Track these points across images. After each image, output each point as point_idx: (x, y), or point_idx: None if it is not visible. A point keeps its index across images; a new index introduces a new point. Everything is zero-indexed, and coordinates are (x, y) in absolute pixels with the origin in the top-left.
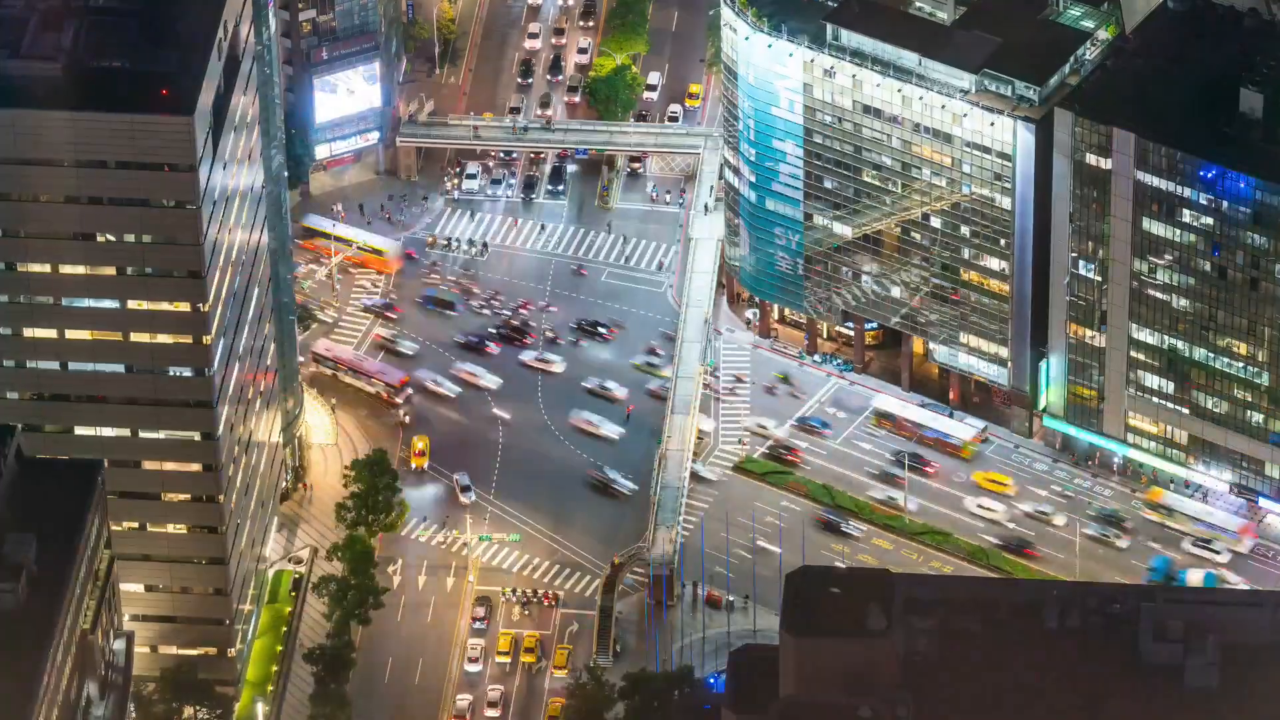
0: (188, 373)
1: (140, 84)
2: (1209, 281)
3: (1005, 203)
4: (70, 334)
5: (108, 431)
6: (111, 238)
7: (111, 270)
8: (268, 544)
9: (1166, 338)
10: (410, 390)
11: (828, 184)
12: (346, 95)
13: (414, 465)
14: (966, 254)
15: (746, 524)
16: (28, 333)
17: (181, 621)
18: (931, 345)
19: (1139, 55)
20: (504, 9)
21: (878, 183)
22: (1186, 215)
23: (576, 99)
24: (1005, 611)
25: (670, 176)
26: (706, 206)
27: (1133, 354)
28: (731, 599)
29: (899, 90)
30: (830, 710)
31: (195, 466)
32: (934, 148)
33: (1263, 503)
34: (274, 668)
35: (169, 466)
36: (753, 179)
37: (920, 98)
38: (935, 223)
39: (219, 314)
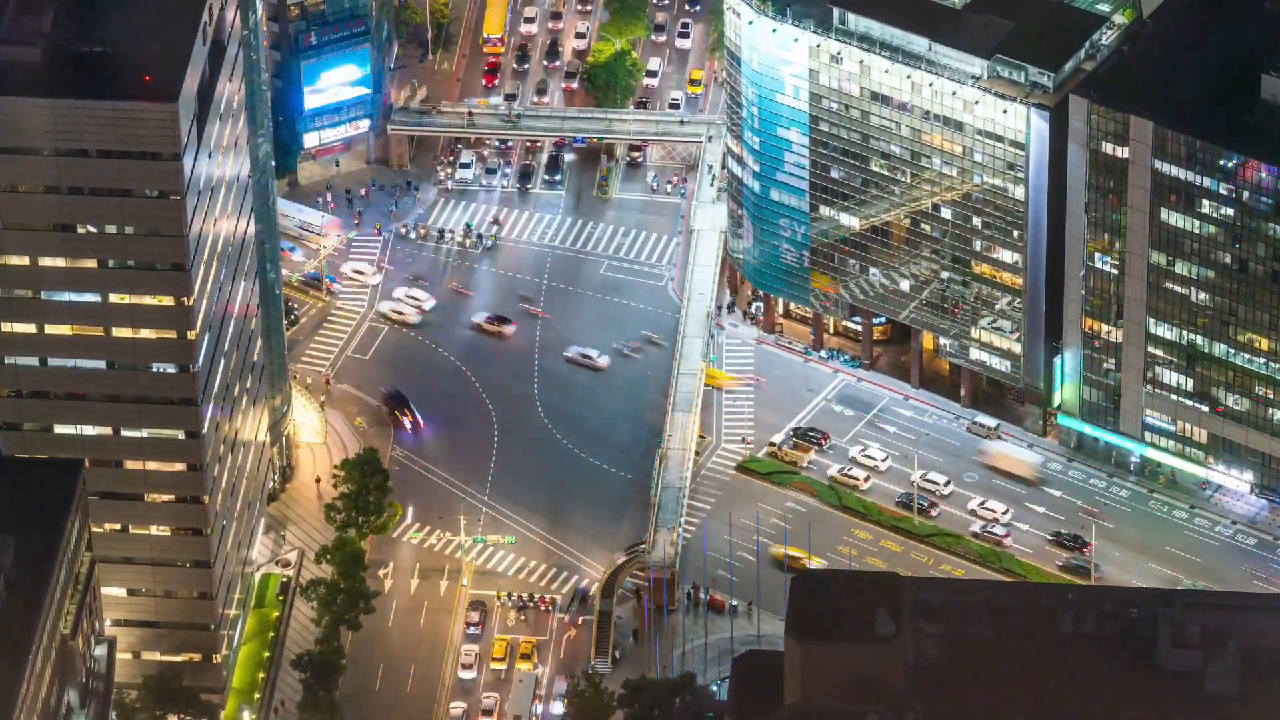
0: (171, 369)
1: (122, 69)
2: (1229, 274)
3: (1018, 193)
4: (50, 329)
5: (89, 430)
6: (92, 229)
7: (92, 263)
8: (254, 546)
9: (1185, 333)
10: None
11: (834, 174)
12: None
13: None
14: (978, 246)
15: (750, 525)
16: (6, 327)
17: (165, 627)
18: (941, 340)
19: (1157, 40)
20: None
21: (886, 172)
22: (1206, 206)
23: (574, 85)
24: (1018, 616)
25: (671, 166)
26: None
27: (1150, 350)
28: (734, 603)
29: (908, 76)
30: (836, 718)
31: (179, 466)
32: (944, 136)
33: None
34: (261, 675)
35: (152, 466)
36: (757, 168)
37: (930, 84)
38: (946, 214)
39: (204, 308)
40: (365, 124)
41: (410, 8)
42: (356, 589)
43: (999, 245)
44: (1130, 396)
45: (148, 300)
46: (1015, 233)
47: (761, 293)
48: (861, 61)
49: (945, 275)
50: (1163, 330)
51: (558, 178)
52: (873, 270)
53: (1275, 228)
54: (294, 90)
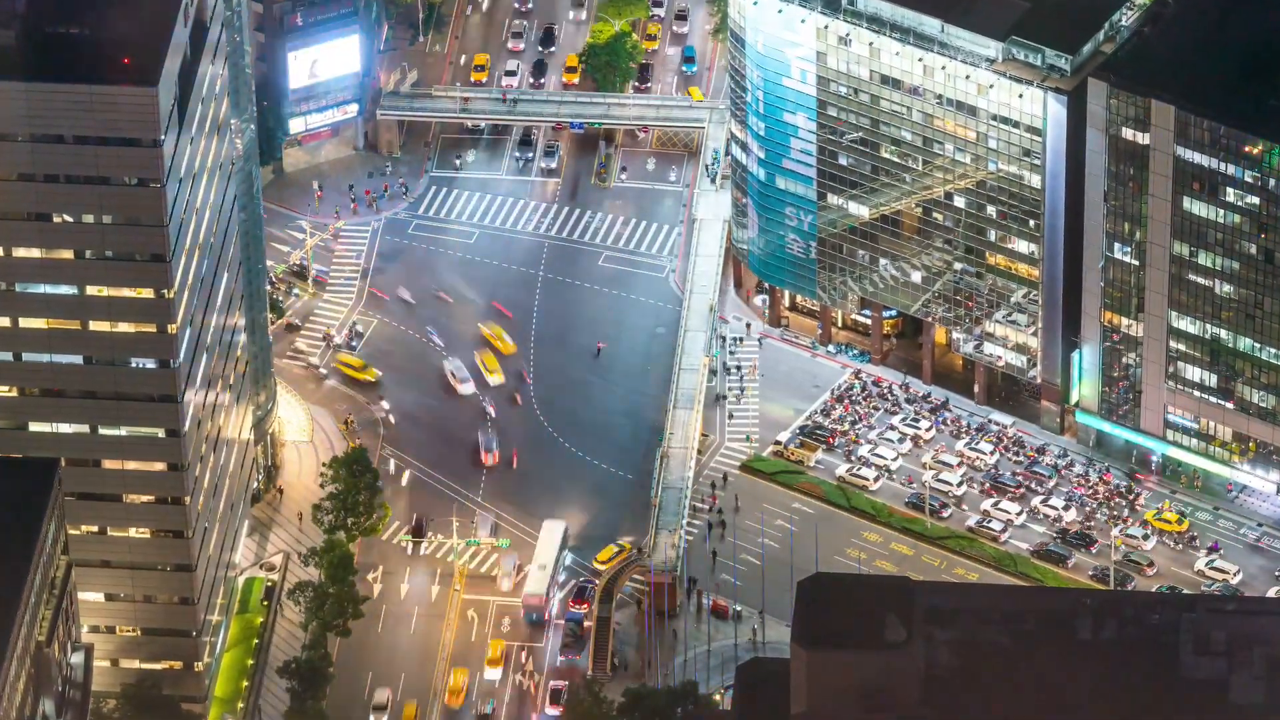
0: (151, 364)
1: (100, 52)
2: (1254, 265)
3: (1035, 181)
4: (24, 322)
5: (65, 428)
6: (69, 218)
7: (69, 253)
8: (238, 549)
9: (1209, 326)
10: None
11: (843, 161)
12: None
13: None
14: (993, 236)
15: (755, 527)
16: None
17: (145, 633)
18: (954, 334)
19: (1179, 21)
20: None
21: (897, 159)
22: (1230, 194)
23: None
24: (1034, 622)
25: (673, 153)
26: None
27: (1172, 344)
28: (739, 608)
29: (920, 59)
30: None
31: (159, 466)
32: (958, 121)
33: None
34: (245, 683)
35: (131, 466)
36: (762, 155)
37: (943, 67)
38: (959, 202)
39: (185, 301)
40: (353, 109)
41: None
42: (345, 593)
43: (1014, 235)
44: (1151, 393)
45: (126, 293)
46: (1031, 222)
47: (767, 285)
48: (871, 44)
49: (958, 267)
50: (1185, 324)
51: (554, 165)
52: (883, 261)
53: None
54: (279, 74)
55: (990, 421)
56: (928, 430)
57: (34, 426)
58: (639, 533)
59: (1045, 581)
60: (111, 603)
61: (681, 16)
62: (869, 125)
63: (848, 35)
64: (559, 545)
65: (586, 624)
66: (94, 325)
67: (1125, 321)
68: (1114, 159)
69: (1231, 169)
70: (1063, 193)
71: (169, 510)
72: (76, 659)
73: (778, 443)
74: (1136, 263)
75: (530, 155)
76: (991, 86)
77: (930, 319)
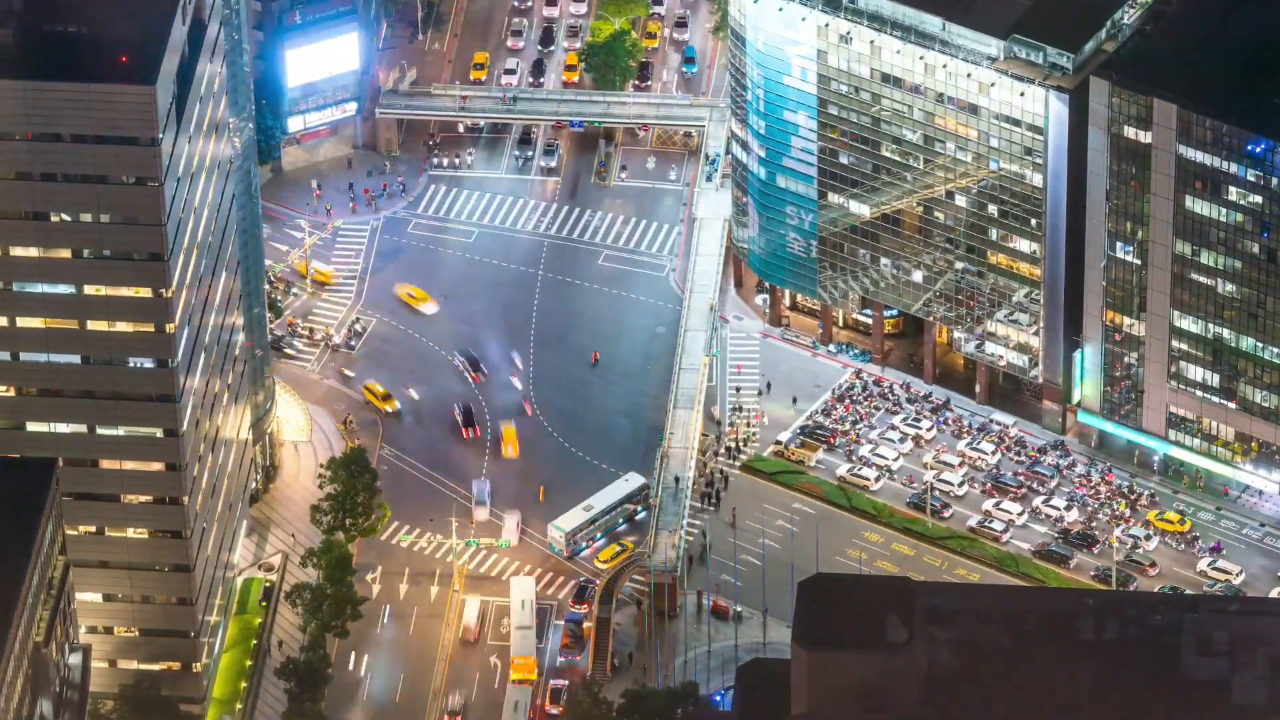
0: (149, 364)
1: (98, 50)
2: (1257, 265)
3: (1036, 180)
4: (22, 322)
5: (63, 428)
6: (67, 217)
7: (67, 252)
8: (236, 550)
9: (1211, 326)
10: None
11: (844, 159)
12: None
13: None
14: (994, 235)
15: (755, 528)
16: None
17: (143, 634)
18: (956, 334)
19: (1181, 19)
20: None
21: (898, 158)
22: (1233, 193)
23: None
24: (1035, 622)
25: (673, 151)
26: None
27: (1174, 343)
28: (739, 609)
29: (921, 57)
30: None
31: (157, 466)
32: (959, 120)
33: None
34: (243, 684)
35: (129, 466)
36: (762, 154)
37: (944, 66)
38: (960, 201)
39: (183, 300)
40: (352, 107)
41: None
42: (343, 594)
43: (1016, 234)
44: (1153, 392)
45: (124, 292)
46: (1033, 221)
47: (767, 284)
48: (872, 42)
49: (960, 266)
50: (1187, 323)
51: (553, 164)
52: (884, 261)
53: None
54: (278, 72)
55: (992, 421)
56: (929, 430)
57: (32, 426)
58: (639, 533)
59: (1047, 582)
60: (109, 603)
61: (681, 24)
62: (870, 124)
63: (848, 33)
64: (619, 497)
65: (586, 624)
66: (92, 325)
67: (1127, 321)
68: (1116, 158)
69: (1234, 167)
70: (1064, 192)
71: (167, 510)
72: (74, 660)
73: (778, 443)
74: (1138, 262)
75: (530, 154)
76: (993, 85)
77: (932, 318)
